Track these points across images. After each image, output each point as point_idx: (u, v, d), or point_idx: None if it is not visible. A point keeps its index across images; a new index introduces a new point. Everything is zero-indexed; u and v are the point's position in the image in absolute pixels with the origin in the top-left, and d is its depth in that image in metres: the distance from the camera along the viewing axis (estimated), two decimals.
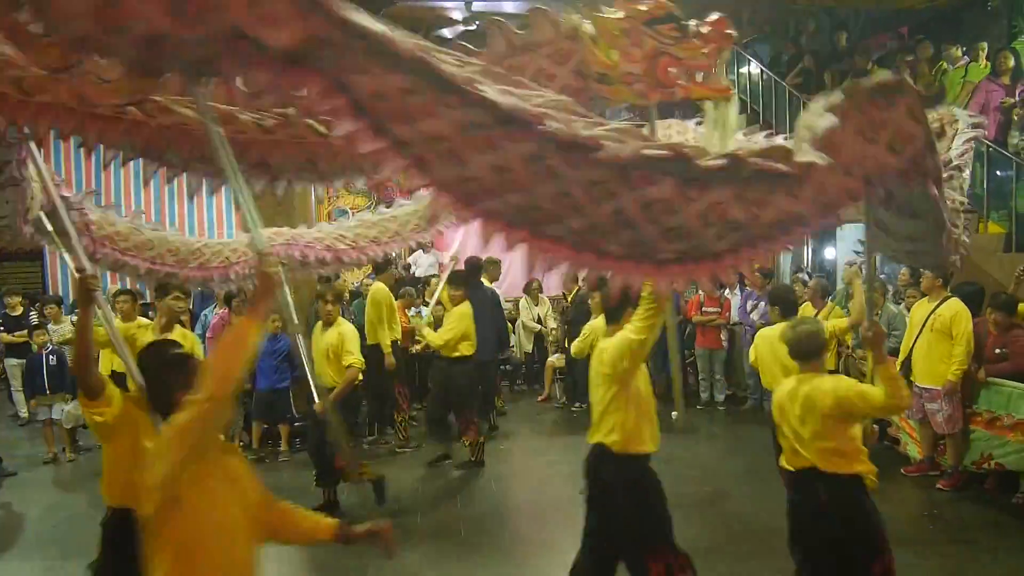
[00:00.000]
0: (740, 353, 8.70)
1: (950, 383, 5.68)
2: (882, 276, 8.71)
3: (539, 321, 10.18)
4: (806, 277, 9.80)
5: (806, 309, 6.51)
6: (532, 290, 10.20)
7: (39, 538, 5.63)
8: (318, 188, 9.17)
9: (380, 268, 7.71)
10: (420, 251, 11.42)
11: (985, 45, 8.53)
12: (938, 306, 5.87)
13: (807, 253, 12.36)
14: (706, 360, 9.05)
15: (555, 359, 9.59)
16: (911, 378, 5.80)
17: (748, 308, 8.53)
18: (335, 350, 5.67)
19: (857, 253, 8.44)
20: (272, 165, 2.84)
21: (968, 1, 9.95)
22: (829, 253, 12.36)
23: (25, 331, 8.10)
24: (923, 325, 5.91)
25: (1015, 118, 7.78)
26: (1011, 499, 5.53)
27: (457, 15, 10.72)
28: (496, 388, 8.78)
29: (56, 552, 5.25)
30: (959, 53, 8.60)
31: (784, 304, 5.09)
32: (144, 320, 6.31)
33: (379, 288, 7.49)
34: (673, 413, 8.34)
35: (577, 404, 8.82)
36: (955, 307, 5.79)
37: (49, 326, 7.74)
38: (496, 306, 8.46)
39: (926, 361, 5.88)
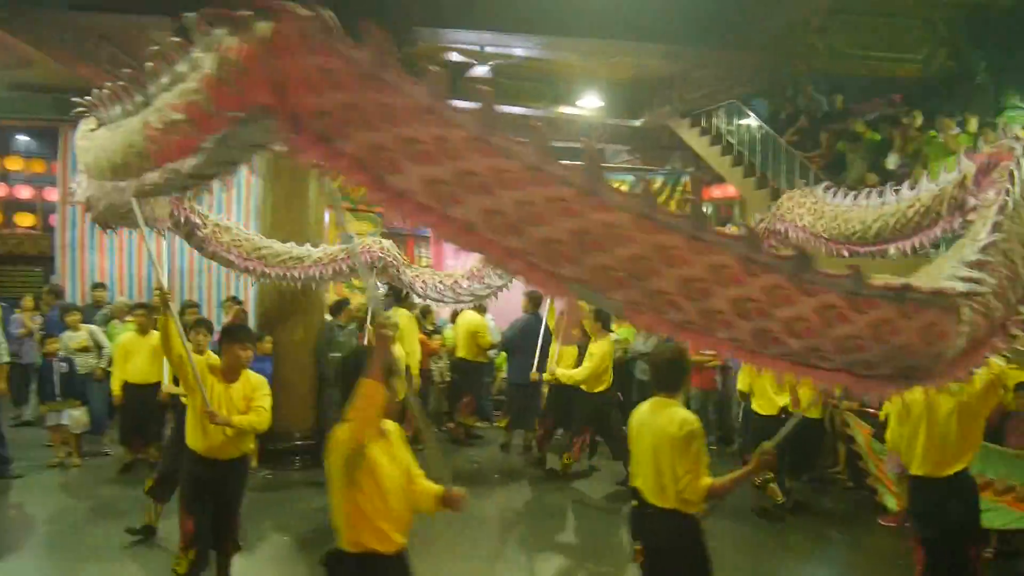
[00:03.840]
0: (731, 394, 8.96)
1: None
2: None
3: None
4: None
5: None
6: None
7: (51, 540, 5.82)
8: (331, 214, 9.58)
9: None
10: None
11: (975, 119, 8.99)
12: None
13: None
14: (700, 401, 9.26)
15: None
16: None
17: None
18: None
19: None
20: None
21: (958, 74, 10.48)
22: None
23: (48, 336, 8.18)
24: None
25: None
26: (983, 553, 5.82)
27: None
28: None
29: (70, 554, 5.44)
30: (952, 123, 9.03)
31: None
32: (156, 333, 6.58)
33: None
34: None
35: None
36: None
37: (65, 333, 7.94)
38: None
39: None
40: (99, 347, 8.04)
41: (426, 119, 2.04)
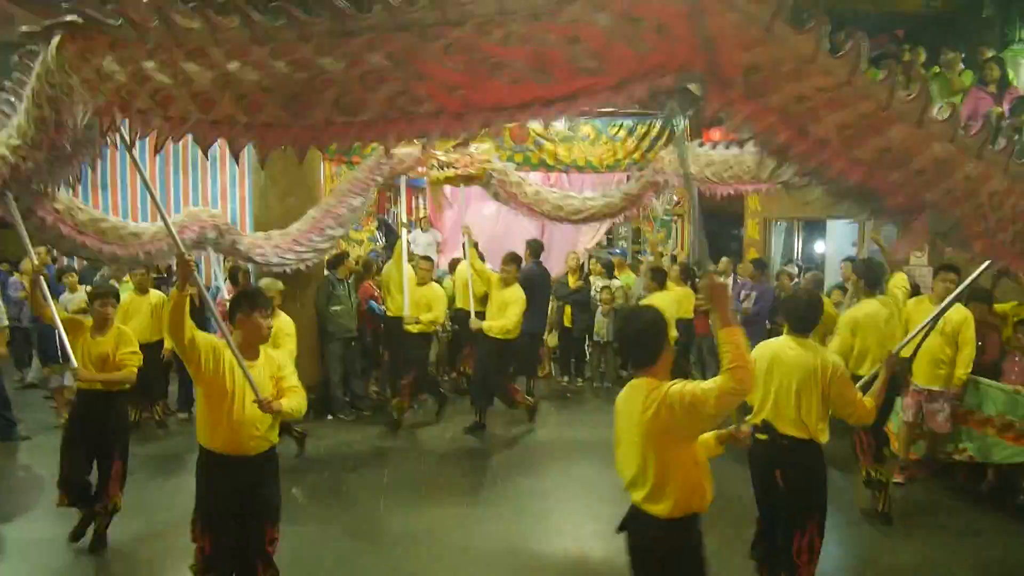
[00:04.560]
0: None
1: (957, 385, 5.80)
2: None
3: None
4: (795, 269, 10.16)
5: None
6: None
7: None
8: (326, 168, 9.48)
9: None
10: (418, 230, 11.69)
11: (981, 50, 8.78)
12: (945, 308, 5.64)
13: (797, 245, 12.71)
14: (696, 346, 9.40)
15: (548, 338, 9.96)
16: (916, 382, 5.92)
17: (740, 296, 8.84)
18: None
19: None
20: None
21: (963, 6, 10.21)
22: (819, 247, 12.71)
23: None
24: (929, 328, 5.51)
25: (1002, 127, 8.06)
26: (979, 487, 5.91)
27: None
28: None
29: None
30: (958, 59, 8.82)
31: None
32: (157, 293, 6.56)
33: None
34: None
35: (566, 379, 9.73)
36: (963, 311, 5.81)
37: (64, 295, 7.91)
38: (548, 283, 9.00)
39: (931, 364, 5.85)
40: None
41: (823, 68, 2.31)
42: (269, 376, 3.71)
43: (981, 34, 9.35)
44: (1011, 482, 5.79)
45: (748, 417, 3.89)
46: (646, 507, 2.88)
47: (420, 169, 7.59)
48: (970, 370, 5.79)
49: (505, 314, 7.30)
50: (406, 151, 7.29)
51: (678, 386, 2.74)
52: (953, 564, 4.80)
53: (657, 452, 2.82)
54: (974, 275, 3.79)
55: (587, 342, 9.82)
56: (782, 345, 3.91)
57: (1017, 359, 5.87)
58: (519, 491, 6.06)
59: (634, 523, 2.98)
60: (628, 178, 8.02)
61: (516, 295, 7.36)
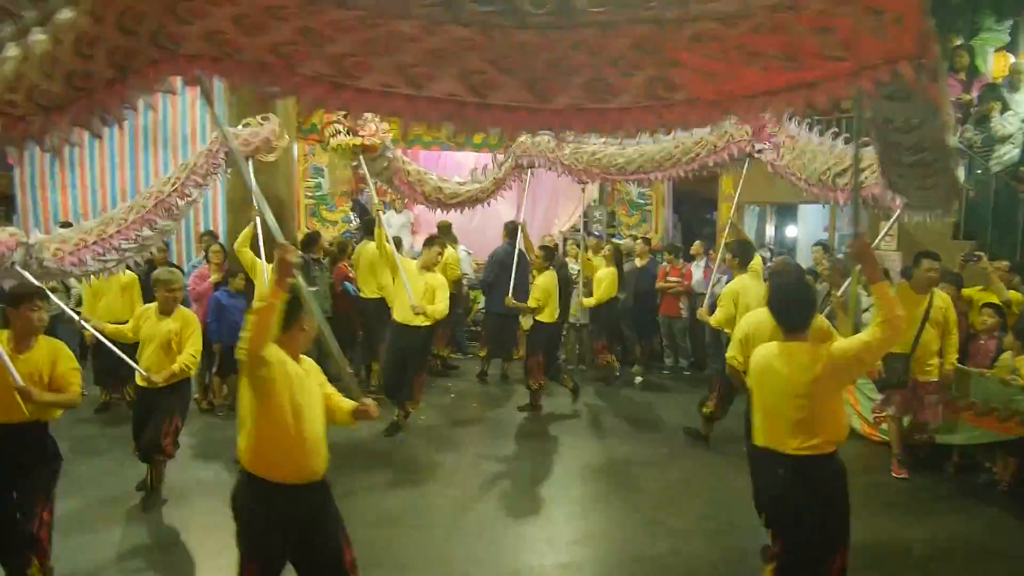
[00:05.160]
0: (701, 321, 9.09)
1: (949, 372, 5.77)
2: (840, 255, 9.20)
3: None
4: (767, 253, 10.28)
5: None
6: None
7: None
8: (300, 147, 9.38)
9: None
10: (392, 211, 11.61)
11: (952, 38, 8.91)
12: (931, 298, 5.74)
13: (770, 229, 12.84)
14: (666, 326, 9.57)
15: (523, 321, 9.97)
16: (913, 375, 5.76)
17: (712, 281, 8.93)
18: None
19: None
20: None
21: None
22: (791, 231, 12.85)
23: None
24: (924, 319, 5.69)
25: (971, 113, 8.22)
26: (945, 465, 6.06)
27: None
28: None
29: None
30: None
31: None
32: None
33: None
34: (637, 379, 8.89)
35: None
36: (944, 296, 5.82)
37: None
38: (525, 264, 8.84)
39: (929, 356, 5.76)
40: (67, 288, 7.89)
41: None
42: (42, 366, 3.84)
43: (950, 22, 9.47)
44: (976, 461, 5.95)
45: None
46: (815, 452, 3.21)
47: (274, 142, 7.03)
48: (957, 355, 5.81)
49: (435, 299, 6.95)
50: (250, 130, 6.77)
51: (841, 343, 3.26)
52: (910, 539, 4.93)
53: (823, 401, 3.21)
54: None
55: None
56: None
57: (982, 342, 6.02)
58: (494, 472, 6.11)
59: (807, 470, 3.23)
60: (492, 162, 8.00)
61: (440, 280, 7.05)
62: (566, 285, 9.37)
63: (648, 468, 6.19)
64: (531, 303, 7.68)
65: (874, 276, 3.14)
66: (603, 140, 7.14)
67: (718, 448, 6.51)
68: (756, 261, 6.38)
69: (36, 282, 4.64)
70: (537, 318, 7.68)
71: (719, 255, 7.57)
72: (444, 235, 9.10)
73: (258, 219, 6.64)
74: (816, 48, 2.42)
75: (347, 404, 3.32)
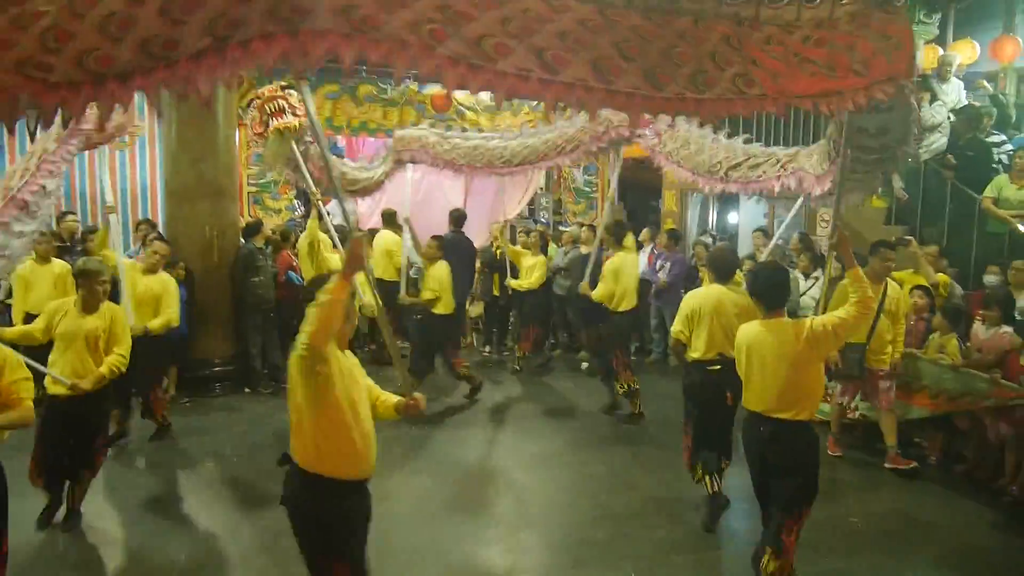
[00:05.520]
0: (646, 308, 9.26)
1: (898, 360, 5.85)
2: (779, 242, 9.43)
3: None
4: (710, 240, 10.48)
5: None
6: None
7: None
8: (242, 134, 9.16)
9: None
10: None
11: None
12: (886, 288, 5.81)
13: (712, 216, 13.08)
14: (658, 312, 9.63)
15: (472, 308, 10.00)
16: (867, 364, 5.84)
17: (656, 267, 9.07)
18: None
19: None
20: None
21: None
22: (732, 218, 13.12)
23: None
24: (878, 310, 5.73)
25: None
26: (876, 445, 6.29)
27: None
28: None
29: None
30: None
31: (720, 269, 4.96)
32: (60, 262, 6.24)
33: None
34: (583, 364, 8.97)
35: (488, 350, 9.91)
36: (897, 287, 5.95)
37: None
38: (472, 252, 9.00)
39: (882, 345, 5.87)
40: None
41: None
42: None
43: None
44: (907, 437, 6.18)
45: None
46: (795, 418, 3.62)
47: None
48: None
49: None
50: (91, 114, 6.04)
51: (819, 319, 3.65)
52: (844, 514, 5.12)
53: (805, 368, 3.62)
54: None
55: (511, 313, 9.91)
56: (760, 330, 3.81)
57: (912, 323, 6.25)
58: (435, 463, 6.12)
59: (785, 437, 3.65)
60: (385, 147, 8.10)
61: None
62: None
63: (592, 452, 6.29)
64: (426, 295, 7.41)
65: (850, 262, 3.76)
66: (482, 135, 7.46)
67: (657, 433, 6.66)
68: (629, 239, 7.14)
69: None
70: (433, 310, 7.42)
71: (658, 240, 7.65)
72: (388, 223, 9.05)
73: (112, 218, 6.26)
74: (847, 62, 2.88)
75: (390, 398, 3.25)
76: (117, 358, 4.65)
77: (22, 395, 3.40)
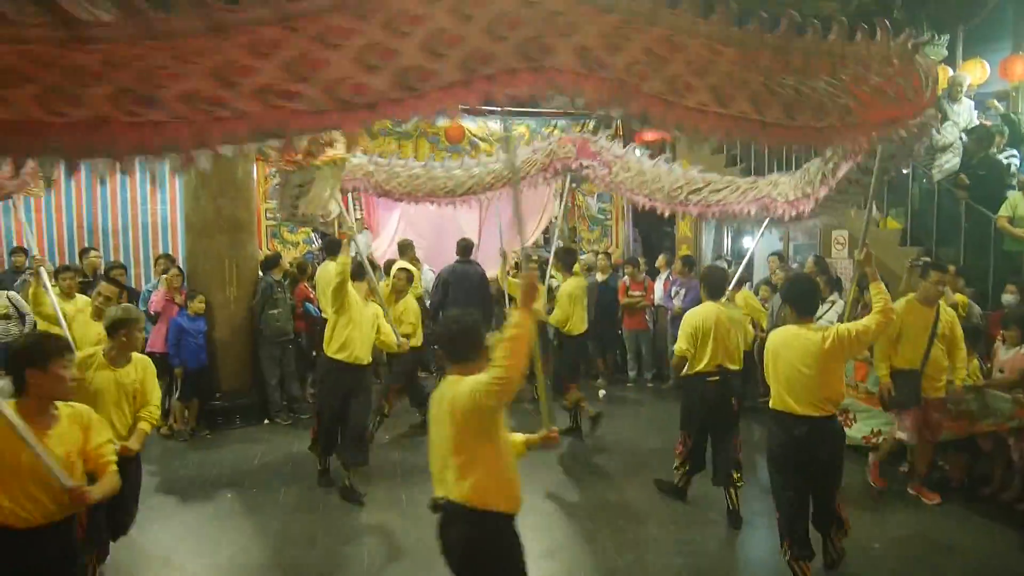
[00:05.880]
0: (664, 333, 9.26)
1: (959, 389, 5.50)
2: (795, 265, 9.42)
3: None
4: (725, 264, 10.48)
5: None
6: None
7: None
8: (260, 169, 9.31)
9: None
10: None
11: None
12: (938, 312, 5.54)
13: (727, 241, 13.07)
14: (633, 340, 9.70)
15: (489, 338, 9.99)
16: (925, 393, 5.52)
17: (671, 293, 9.08)
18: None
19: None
20: None
21: (876, 11, 10.70)
22: (747, 242, 13.09)
23: None
24: (932, 334, 5.47)
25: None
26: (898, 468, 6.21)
27: None
28: None
29: None
30: None
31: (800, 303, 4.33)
32: (83, 298, 6.36)
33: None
34: (600, 392, 8.94)
35: None
36: (951, 311, 5.66)
37: None
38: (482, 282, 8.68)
39: (939, 372, 5.54)
40: (21, 314, 7.71)
41: None
42: (72, 443, 2.95)
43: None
44: (979, 472, 5.96)
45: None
46: (821, 414, 4.08)
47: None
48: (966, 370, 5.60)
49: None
50: None
51: (845, 325, 4.06)
52: (868, 537, 5.05)
53: (830, 367, 4.04)
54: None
55: None
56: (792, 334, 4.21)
57: None
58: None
59: (819, 432, 4.10)
60: None
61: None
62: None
63: (613, 480, 6.25)
64: (405, 328, 6.88)
65: (874, 276, 4.24)
66: (423, 164, 7.51)
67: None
68: (577, 265, 7.47)
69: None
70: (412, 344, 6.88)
71: (674, 267, 7.65)
72: (403, 253, 9.11)
73: (42, 270, 5.58)
74: (900, 92, 3.18)
75: (517, 436, 3.18)
76: (154, 410, 4.22)
77: (110, 458, 3.12)
